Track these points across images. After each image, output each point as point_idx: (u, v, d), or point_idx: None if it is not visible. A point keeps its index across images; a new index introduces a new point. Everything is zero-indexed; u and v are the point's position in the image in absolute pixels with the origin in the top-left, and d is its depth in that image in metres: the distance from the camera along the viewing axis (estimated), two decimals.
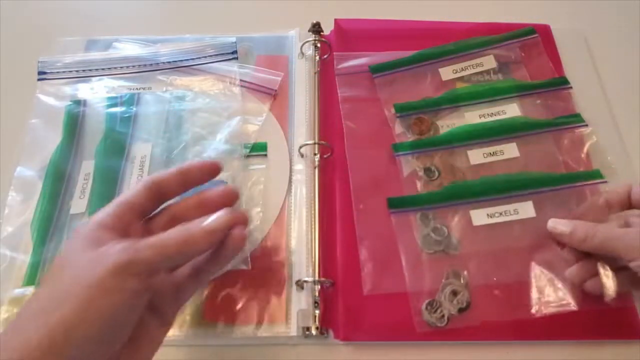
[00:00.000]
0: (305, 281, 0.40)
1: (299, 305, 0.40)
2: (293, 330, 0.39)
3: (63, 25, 0.56)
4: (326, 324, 0.39)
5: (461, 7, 0.57)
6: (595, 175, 0.44)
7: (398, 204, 0.43)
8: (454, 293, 0.39)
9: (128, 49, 0.53)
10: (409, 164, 0.45)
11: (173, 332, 0.39)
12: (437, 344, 0.39)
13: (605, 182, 0.43)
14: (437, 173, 0.44)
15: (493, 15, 0.55)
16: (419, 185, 0.44)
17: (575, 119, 0.47)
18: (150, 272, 0.27)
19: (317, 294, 0.39)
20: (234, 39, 0.52)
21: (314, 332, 0.38)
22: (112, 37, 0.54)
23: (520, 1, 0.58)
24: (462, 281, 0.40)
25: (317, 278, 0.40)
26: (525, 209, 0.42)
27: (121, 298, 0.26)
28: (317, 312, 0.39)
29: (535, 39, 0.52)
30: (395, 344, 0.39)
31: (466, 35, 0.52)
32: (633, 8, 0.58)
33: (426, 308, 0.39)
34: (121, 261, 0.26)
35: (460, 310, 0.39)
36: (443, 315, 0.38)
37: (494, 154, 0.45)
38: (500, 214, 0.42)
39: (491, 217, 0.42)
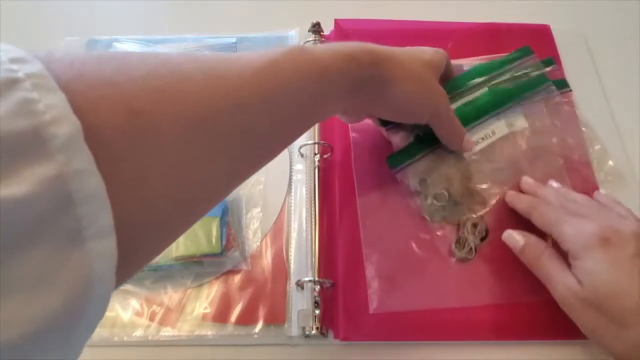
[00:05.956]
0: (306, 281, 0.40)
1: (299, 305, 0.40)
2: (293, 330, 0.39)
3: (63, 25, 0.56)
4: (326, 324, 0.39)
5: (461, 7, 0.57)
6: (561, 84, 0.47)
7: (397, 162, 0.43)
8: (474, 225, 0.41)
9: (128, 49, 0.53)
10: (411, 178, 0.43)
11: (173, 332, 0.39)
12: (437, 344, 0.39)
13: (570, 90, 0.47)
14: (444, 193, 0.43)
15: (493, 15, 0.55)
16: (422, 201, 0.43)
17: (541, 80, 0.47)
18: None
19: (317, 294, 0.39)
20: (234, 39, 0.52)
21: (314, 332, 0.38)
22: (112, 37, 0.54)
23: (520, 1, 0.58)
24: (477, 213, 0.42)
25: (317, 278, 0.40)
26: (500, 128, 0.44)
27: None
28: (317, 312, 0.39)
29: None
30: (395, 344, 0.39)
31: (466, 35, 0.52)
32: (633, 8, 0.58)
33: (456, 247, 0.41)
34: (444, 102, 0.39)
35: (482, 240, 0.41)
36: (471, 249, 0.41)
37: (486, 137, 0.44)
38: (483, 138, 0.44)
39: (476, 144, 0.44)
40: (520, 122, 0.46)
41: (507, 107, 0.45)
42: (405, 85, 0.34)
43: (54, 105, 0.17)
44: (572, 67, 0.52)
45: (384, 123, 0.43)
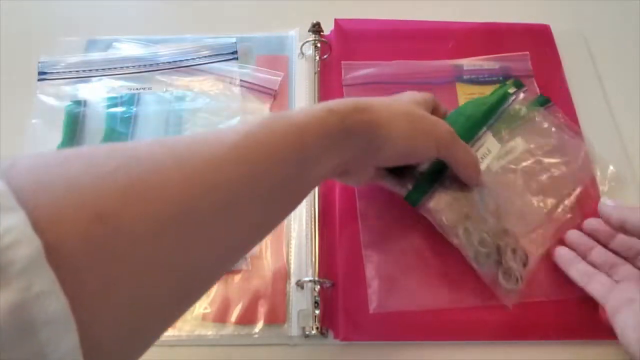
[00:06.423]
0: (306, 281, 0.40)
1: (299, 305, 0.40)
2: (293, 330, 0.39)
3: (63, 25, 0.56)
4: (326, 324, 0.39)
5: (461, 7, 0.57)
6: (517, 85, 0.47)
7: (417, 199, 0.39)
8: (514, 251, 0.38)
9: (128, 49, 0.53)
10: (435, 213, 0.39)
11: (173, 332, 0.39)
12: (437, 344, 0.39)
13: (554, 105, 0.46)
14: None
15: (493, 15, 0.55)
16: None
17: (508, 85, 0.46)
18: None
19: (317, 294, 0.39)
20: (234, 39, 0.52)
21: (314, 332, 0.38)
22: (112, 37, 0.54)
23: (520, 1, 0.58)
24: (511, 237, 0.39)
25: (317, 278, 0.40)
26: (492, 144, 0.43)
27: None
28: (317, 312, 0.39)
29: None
30: (395, 344, 0.39)
31: (466, 35, 0.52)
32: (633, 8, 0.58)
33: (504, 278, 0.38)
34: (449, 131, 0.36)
35: (524, 266, 0.38)
36: (517, 279, 0.38)
37: (483, 157, 0.42)
38: (481, 158, 0.42)
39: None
40: (520, 146, 0.44)
41: (490, 125, 0.43)
42: (398, 125, 0.32)
43: (12, 227, 0.16)
44: (572, 67, 0.52)
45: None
